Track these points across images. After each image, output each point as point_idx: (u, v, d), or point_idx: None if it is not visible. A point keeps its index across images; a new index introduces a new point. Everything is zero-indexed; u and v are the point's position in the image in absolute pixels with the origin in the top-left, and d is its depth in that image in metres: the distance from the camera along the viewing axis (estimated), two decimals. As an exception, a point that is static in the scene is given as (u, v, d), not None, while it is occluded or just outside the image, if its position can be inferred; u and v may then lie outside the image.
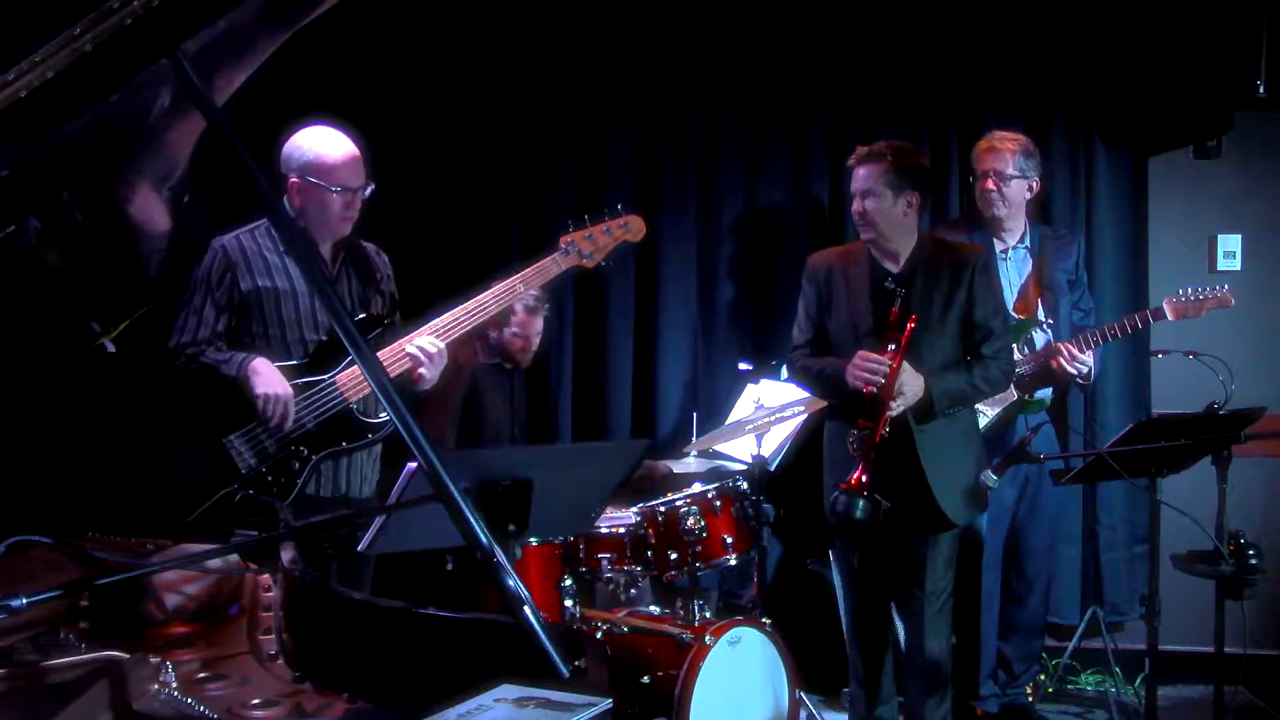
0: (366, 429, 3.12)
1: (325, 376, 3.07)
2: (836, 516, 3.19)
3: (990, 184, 4.03)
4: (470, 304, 3.19)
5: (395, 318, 3.32)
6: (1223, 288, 4.05)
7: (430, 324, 3.15)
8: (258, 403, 2.96)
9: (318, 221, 3.11)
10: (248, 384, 2.98)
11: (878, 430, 3.22)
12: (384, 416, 3.13)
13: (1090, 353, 4.03)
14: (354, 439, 3.11)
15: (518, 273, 3.26)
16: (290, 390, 3.00)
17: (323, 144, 3.12)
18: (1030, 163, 4.07)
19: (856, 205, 3.45)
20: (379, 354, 3.04)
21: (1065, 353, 3.97)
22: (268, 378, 2.99)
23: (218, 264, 3.10)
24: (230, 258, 3.10)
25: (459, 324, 3.17)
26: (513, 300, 3.33)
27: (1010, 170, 4.02)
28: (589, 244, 3.31)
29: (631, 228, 3.38)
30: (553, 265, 3.29)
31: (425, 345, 3.09)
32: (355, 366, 3.04)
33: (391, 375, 3.01)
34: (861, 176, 3.43)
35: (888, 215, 3.40)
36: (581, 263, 3.32)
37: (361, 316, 3.18)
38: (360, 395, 3.08)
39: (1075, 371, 3.98)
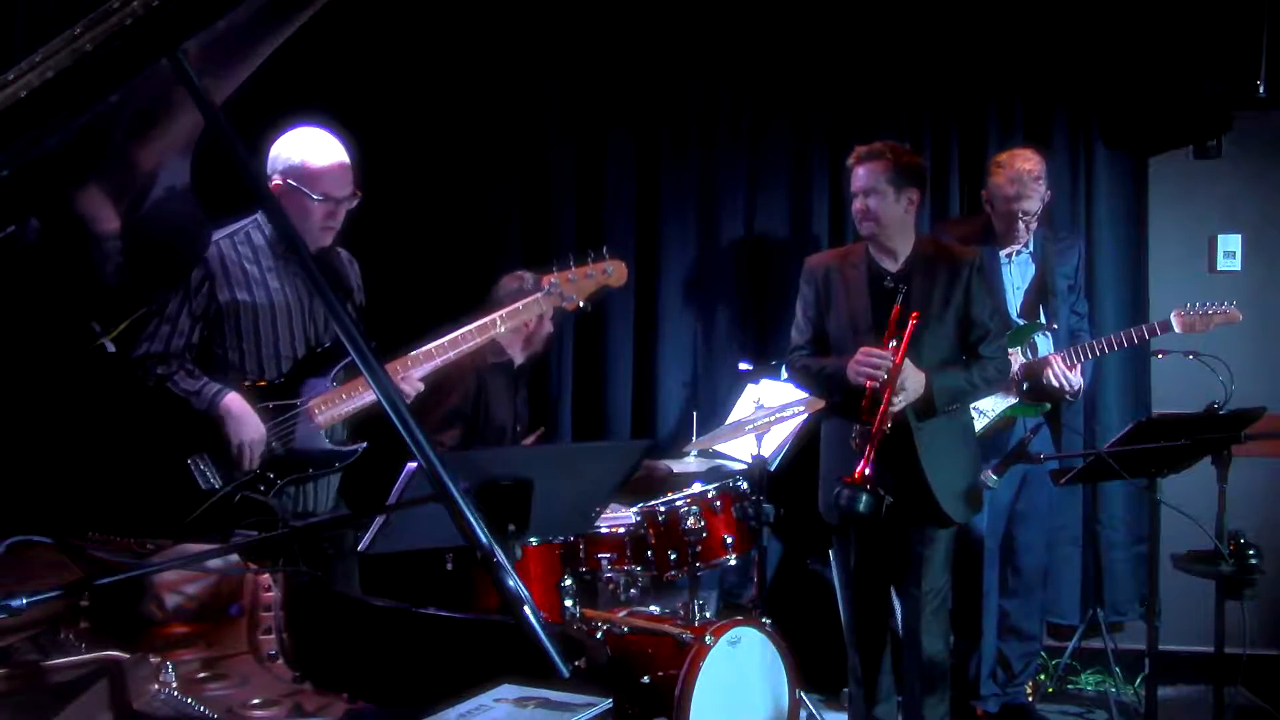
0: (334, 457, 3.05)
1: (298, 402, 2.99)
2: (839, 509, 3.21)
3: (1021, 224, 4.05)
4: (446, 340, 3.12)
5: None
6: (1231, 303, 4.07)
7: (406, 358, 3.07)
8: (232, 448, 2.89)
9: (297, 229, 2.92)
10: (221, 425, 2.89)
11: (880, 425, 3.24)
12: (353, 446, 3.08)
13: (1079, 368, 4.04)
14: (321, 467, 3.04)
15: (497, 310, 3.23)
16: (264, 431, 2.92)
17: (311, 149, 3.00)
18: (1046, 178, 4.08)
19: (859, 204, 3.47)
20: (354, 381, 2.99)
21: (1054, 367, 3.98)
22: (243, 421, 2.89)
23: (195, 271, 2.93)
24: (209, 266, 2.94)
25: (434, 359, 3.10)
26: (491, 337, 3.26)
27: (1038, 206, 4.04)
28: (571, 286, 3.30)
29: (614, 274, 3.37)
30: (535, 305, 3.28)
31: (407, 392, 3.05)
32: (327, 393, 2.99)
33: (364, 405, 2.98)
34: (862, 175, 3.46)
35: (890, 212, 3.43)
36: (563, 305, 3.32)
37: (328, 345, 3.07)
38: (332, 423, 3.02)
39: (1059, 385, 3.99)
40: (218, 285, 2.96)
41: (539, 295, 3.29)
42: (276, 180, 3.01)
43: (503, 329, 3.24)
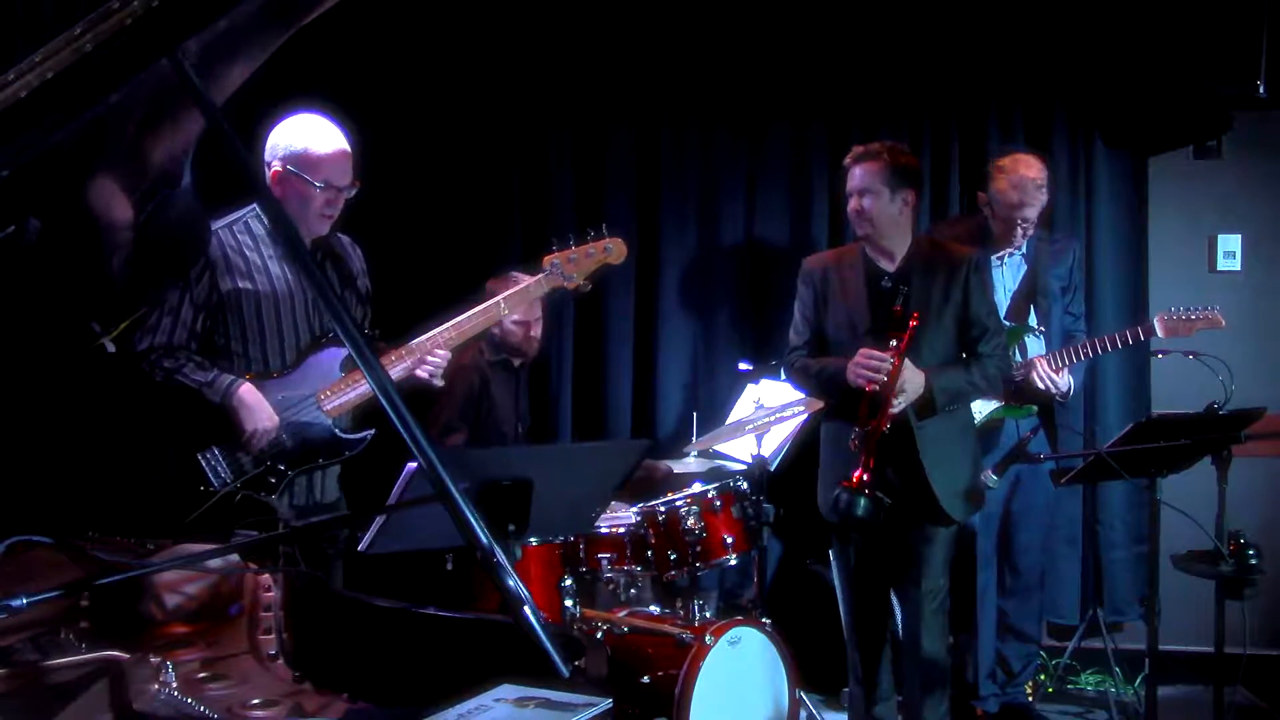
0: (344, 446, 3.03)
1: (307, 392, 2.97)
2: (838, 514, 3.21)
3: (1020, 230, 4.05)
4: (449, 326, 3.11)
5: (368, 311, 3.24)
6: (1214, 308, 4.07)
7: (411, 344, 3.06)
8: (244, 435, 2.87)
9: (296, 216, 2.94)
10: (235, 415, 2.86)
11: (880, 427, 3.24)
12: (361, 433, 3.06)
13: (1066, 370, 4.04)
14: (331, 455, 3.02)
15: (499, 293, 3.23)
16: (278, 420, 2.91)
17: (312, 136, 2.97)
18: (1049, 183, 4.08)
19: (854, 204, 3.49)
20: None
21: (1039, 369, 3.98)
22: (256, 411, 2.87)
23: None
24: (209, 255, 2.90)
25: (438, 345, 3.09)
26: (495, 321, 3.28)
27: (1038, 213, 4.04)
28: (571, 265, 3.29)
29: (614, 251, 3.37)
30: (535, 286, 3.27)
31: (437, 361, 3.07)
32: (335, 381, 2.98)
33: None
34: (858, 175, 3.46)
35: (885, 213, 3.44)
36: (563, 284, 3.30)
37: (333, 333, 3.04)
38: (340, 412, 3.00)
39: (1046, 388, 4.00)
40: (218, 274, 2.92)
41: (540, 276, 3.28)
42: (276, 166, 2.98)
43: (506, 311, 3.23)
